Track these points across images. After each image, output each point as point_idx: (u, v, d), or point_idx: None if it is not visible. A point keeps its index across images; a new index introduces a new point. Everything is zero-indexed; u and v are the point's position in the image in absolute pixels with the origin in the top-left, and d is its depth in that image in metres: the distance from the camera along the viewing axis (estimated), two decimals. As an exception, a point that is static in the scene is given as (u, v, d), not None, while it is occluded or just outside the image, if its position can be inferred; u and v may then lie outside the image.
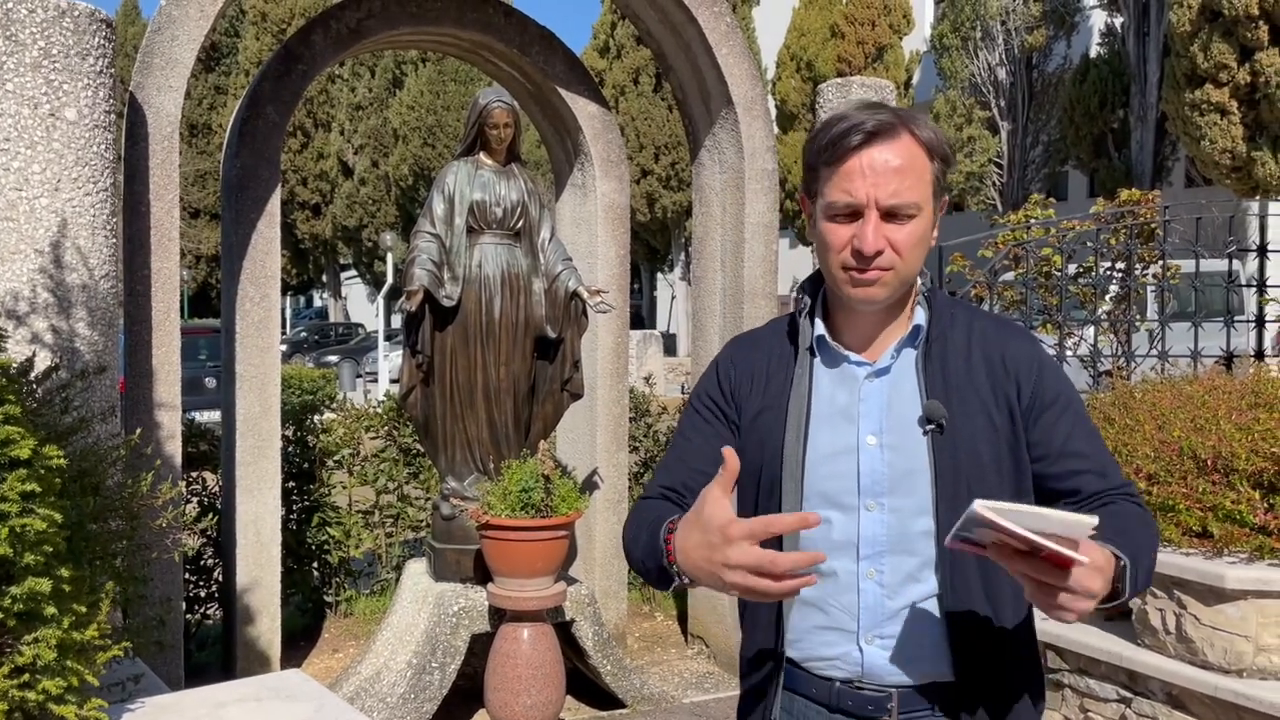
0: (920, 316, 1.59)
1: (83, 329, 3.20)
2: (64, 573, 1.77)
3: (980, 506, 1.27)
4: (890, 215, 1.49)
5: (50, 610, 1.71)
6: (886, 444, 1.54)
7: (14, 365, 2.07)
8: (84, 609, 1.81)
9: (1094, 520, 1.29)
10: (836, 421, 1.57)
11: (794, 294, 1.71)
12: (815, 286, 1.66)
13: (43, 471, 1.75)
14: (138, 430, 3.28)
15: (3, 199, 3.19)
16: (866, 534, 1.54)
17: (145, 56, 3.80)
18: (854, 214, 1.50)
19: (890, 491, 1.53)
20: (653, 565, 1.50)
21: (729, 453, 1.37)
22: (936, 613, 1.52)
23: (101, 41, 3.36)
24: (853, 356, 1.60)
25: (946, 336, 1.59)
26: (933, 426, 1.52)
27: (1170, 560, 3.47)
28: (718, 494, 1.36)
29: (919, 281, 1.61)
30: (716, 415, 1.68)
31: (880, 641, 1.53)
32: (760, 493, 1.62)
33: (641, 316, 29.87)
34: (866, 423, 1.56)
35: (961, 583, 1.51)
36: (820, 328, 1.62)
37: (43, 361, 3.03)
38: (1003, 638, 1.55)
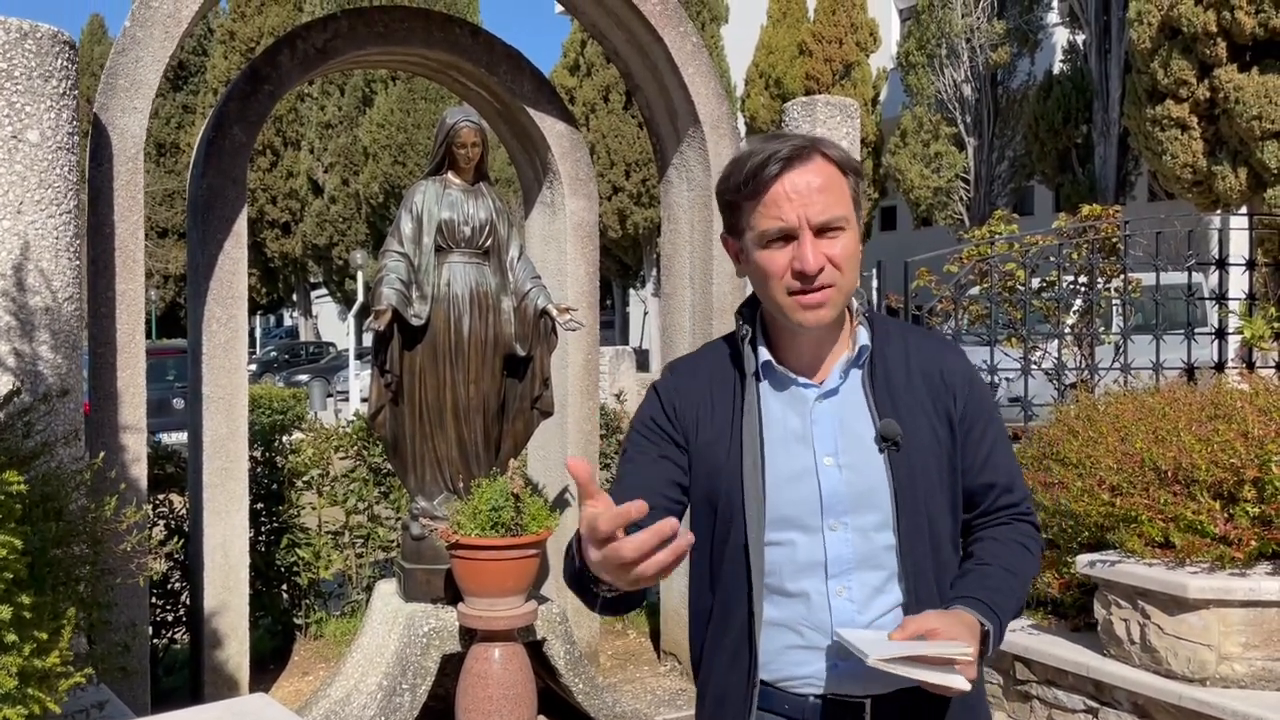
0: (864, 336, 1.63)
1: (46, 352, 3.17)
2: (25, 599, 1.76)
3: (872, 663, 1.41)
4: (821, 231, 1.54)
5: (11, 638, 1.70)
6: (844, 464, 1.58)
7: (-26, 390, 2.05)
8: (45, 636, 1.80)
9: (969, 649, 1.42)
10: (791, 445, 1.60)
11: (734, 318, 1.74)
12: (754, 311, 1.68)
13: (2, 498, 1.73)
14: (101, 454, 3.25)
15: (-36, 222, 3.16)
16: (834, 554, 1.57)
17: (109, 78, 3.78)
18: (787, 238, 1.54)
19: (852, 510, 1.57)
20: (575, 582, 1.48)
21: (572, 462, 1.34)
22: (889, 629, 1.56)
23: (65, 63, 3.34)
24: (800, 379, 1.62)
25: (885, 354, 1.64)
26: (889, 444, 1.56)
27: (1133, 571, 3.51)
28: (586, 506, 1.34)
29: (856, 302, 1.65)
30: (663, 437, 1.66)
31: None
32: (718, 520, 1.63)
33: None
34: (822, 444, 1.59)
35: (926, 593, 1.57)
36: (765, 353, 1.64)
37: (4, 385, 3.00)
38: None
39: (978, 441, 1.64)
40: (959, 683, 1.41)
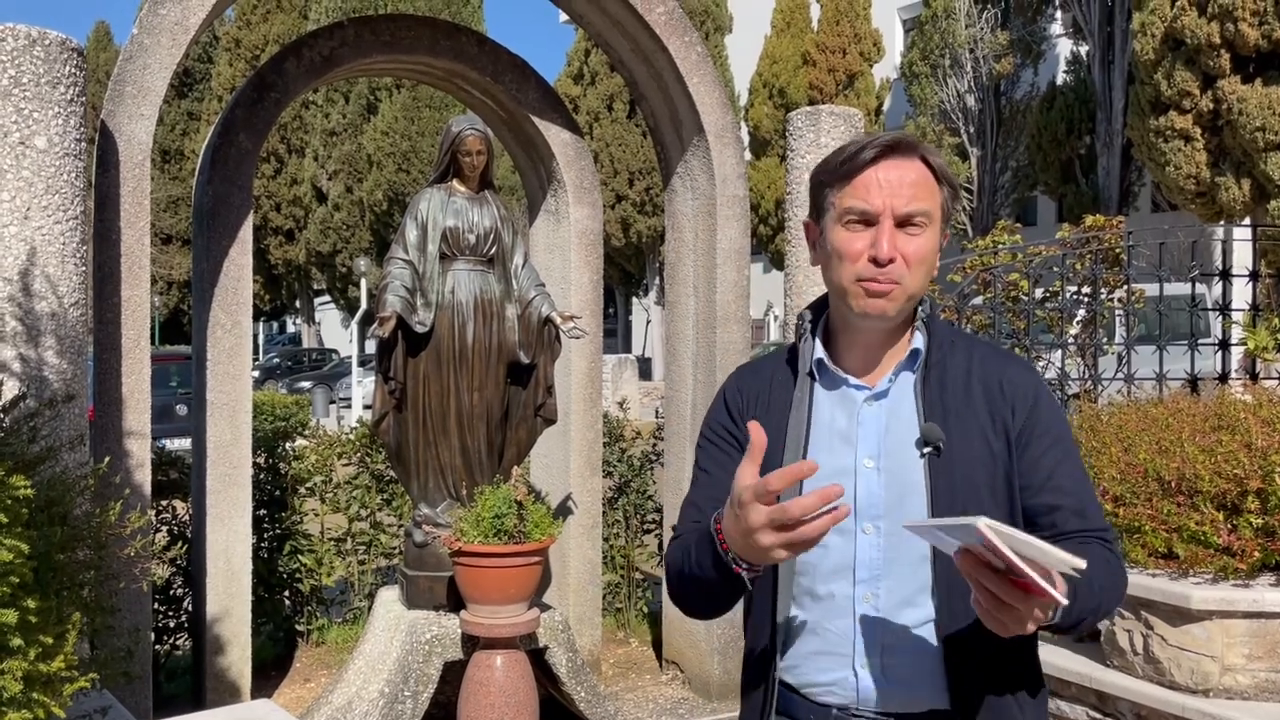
0: (919, 341, 1.61)
1: (51, 357, 3.18)
2: (30, 604, 1.76)
3: (983, 525, 1.24)
4: (903, 224, 1.53)
5: (16, 641, 1.70)
6: (883, 467, 1.55)
7: (-19, 395, 2.06)
8: (50, 640, 1.80)
9: (1082, 564, 1.28)
10: (835, 444, 1.58)
11: (794, 321, 1.74)
12: (817, 313, 1.68)
13: (9, 502, 1.74)
14: (106, 459, 3.26)
15: (-29, 227, 3.18)
16: (863, 557, 1.54)
17: (117, 85, 3.80)
18: (867, 223, 1.53)
19: (886, 514, 1.54)
20: (708, 564, 1.47)
21: (754, 427, 1.36)
22: (933, 639, 1.52)
23: (73, 70, 3.36)
24: (852, 380, 1.61)
25: (946, 362, 1.60)
26: (929, 449, 1.53)
27: (1137, 581, 3.51)
28: (743, 466, 1.35)
29: (920, 307, 1.63)
30: (729, 441, 1.69)
31: (876, 666, 1.52)
32: None
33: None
34: (864, 446, 1.57)
35: (961, 607, 1.49)
36: (820, 351, 1.63)
37: (10, 390, 3.01)
38: (1002, 665, 1.54)
39: (1037, 459, 1.56)
40: (1056, 592, 1.26)
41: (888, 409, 1.58)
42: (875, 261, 1.52)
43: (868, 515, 1.54)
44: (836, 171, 1.57)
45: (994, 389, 1.58)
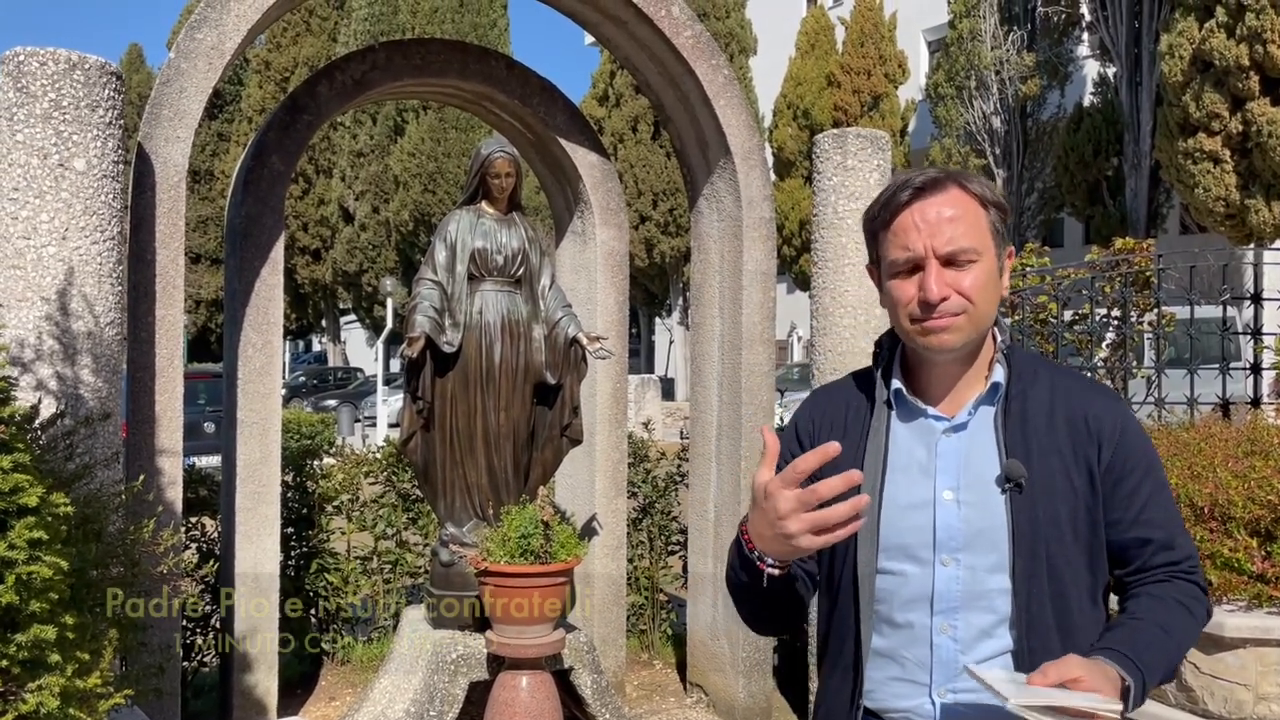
0: (999, 374, 1.60)
1: (87, 376, 3.23)
2: (68, 620, 1.78)
3: (1013, 706, 1.31)
4: (950, 262, 1.53)
5: (54, 658, 1.72)
6: (963, 500, 1.55)
7: (20, 413, 2.09)
8: (87, 656, 1.82)
9: (1118, 707, 1.33)
10: (913, 474, 1.58)
11: (873, 348, 1.73)
12: (894, 340, 1.67)
13: (50, 519, 1.76)
14: (140, 477, 3.29)
15: (11, 247, 3.23)
16: (941, 589, 1.55)
17: (153, 108, 3.86)
18: (915, 267, 1.54)
19: (966, 547, 1.54)
20: (739, 566, 1.54)
21: (767, 433, 1.45)
22: (1012, 670, 1.51)
23: (111, 94, 3.42)
24: (930, 411, 1.61)
25: (1027, 394, 1.59)
26: (1012, 485, 1.52)
27: (1169, 608, 3.47)
28: (761, 469, 1.42)
29: (998, 338, 1.63)
30: None
31: (954, 696, 1.53)
32: (836, 544, 1.64)
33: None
34: (943, 478, 1.57)
35: (1039, 642, 1.51)
36: (898, 381, 1.63)
37: (47, 408, 3.05)
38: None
39: (1130, 495, 1.56)
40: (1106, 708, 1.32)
41: (967, 441, 1.58)
42: (926, 304, 1.52)
43: (946, 548, 1.54)
44: (878, 218, 1.59)
45: (1079, 424, 1.57)
